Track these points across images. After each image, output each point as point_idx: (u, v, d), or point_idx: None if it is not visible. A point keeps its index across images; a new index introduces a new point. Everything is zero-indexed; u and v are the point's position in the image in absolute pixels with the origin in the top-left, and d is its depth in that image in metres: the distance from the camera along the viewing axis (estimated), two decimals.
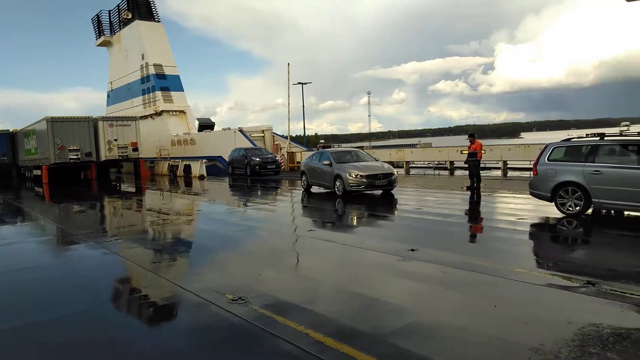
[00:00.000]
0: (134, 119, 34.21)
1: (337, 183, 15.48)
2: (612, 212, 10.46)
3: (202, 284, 6.42)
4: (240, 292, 5.91)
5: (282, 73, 33.35)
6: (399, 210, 13.21)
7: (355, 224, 11.87)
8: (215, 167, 33.65)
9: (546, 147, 11.01)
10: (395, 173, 15.70)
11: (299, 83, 42.02)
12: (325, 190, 17.03)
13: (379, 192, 15.77)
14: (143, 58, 42.59)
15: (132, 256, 8.77)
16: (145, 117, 41.47)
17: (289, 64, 34.55)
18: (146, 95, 43.22)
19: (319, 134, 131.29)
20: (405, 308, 5.33)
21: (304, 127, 46.05)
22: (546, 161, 10.69)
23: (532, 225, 10.04)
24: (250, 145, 31.82)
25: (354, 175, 14.88)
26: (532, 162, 21.74)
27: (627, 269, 6.45)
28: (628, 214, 10.19)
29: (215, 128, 41.38)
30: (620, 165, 9.45)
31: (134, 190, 26.44)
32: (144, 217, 15.11)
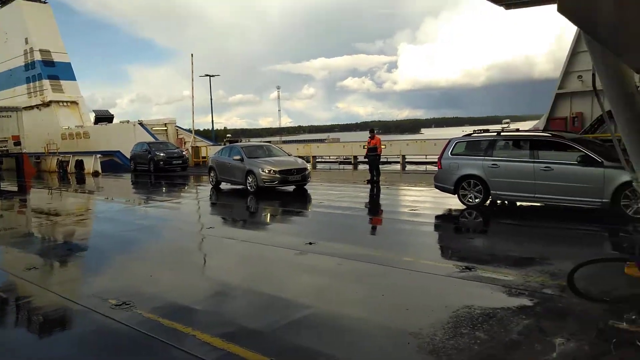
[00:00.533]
0: (15, 109, 30.83)
1: (249, 179, 14.96)
2: (506, 202, 11.24)
3: (83, 290, 5.95)
4: (127, 296, 5.54)
5: (188, 64, 32.03)
6: (305, 205, 13.35)
7: (260, 220, 11.78)
8: (113, 163, 31.45)
9: (449, 142, 11.52)
10: (308, 168, 15.73)
11: (207, 75, 40.80)
12: (236, 187, 16.56)
13: (291, 187, 15.64)
14: (27, 42, 38.37)
15: (3, 262, 7.86)
16: (31, 107, 37.48)
17: (192, 54, 33.30)
18: (32, 84, 38.99)
19: (228, 128, 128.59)
20: (299, 302, 5.37)
21: (212, 121, 44.75)
22: (450, 155, 11.16)
23: (425, 216, 10.69)
24: (151, 139, 30.15)
25: (267, 171, 14.52)
26: (427, 157, 23.40)
27: (502, 254, 7.11)
28: (520, 204, 11.09)
29: (115, 121, 38.67)
30: (514, 159, 10.21)
31: (15, 189, 23.85)
32: (28, 219, 13.68)
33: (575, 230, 8.58)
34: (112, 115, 40.11)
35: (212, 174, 17.40)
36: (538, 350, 3.93)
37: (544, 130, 14.29)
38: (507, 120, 19.52)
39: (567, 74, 17.28)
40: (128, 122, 33.61)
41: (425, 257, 7.22)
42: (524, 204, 10.83)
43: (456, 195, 10.83)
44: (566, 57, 17.38)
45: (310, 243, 7.89)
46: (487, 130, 11.22)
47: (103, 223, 12.13)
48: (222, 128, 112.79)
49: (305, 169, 15.37)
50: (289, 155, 17.02)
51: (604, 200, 8.57)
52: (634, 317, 2.21)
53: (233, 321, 4.80)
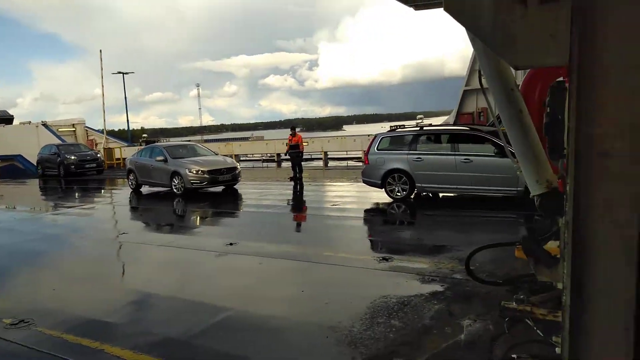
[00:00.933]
0: None
1: (175, 181, 14.03)
2: (430, 194, 11.64)
3: None
4: (25, 313, 5.06)
5: (99, 60, 29.98)
6: (228, 205, 13.06)
7: (181, 223, 11.34)
8: (13, 168, 28.71)
9: (375, 137, 11.76)
10: (239, 167, 15.29)
11: (120, 72, 38.43)
12: (161, 190, 15.44)
13: (220, 188, 15.04)
14: None
15: None
16: None
17: (101, 50, 31.36)
18: None
19: (146, 127, 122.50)
20: (217, 305, 5.22)
21: (127, 121, 42.49)
22: (376, 151, 11.36)
23: (347, 211, 10.91)
24: (58, 141, 27.89)
25: (195, 171, 13.72)
26: (348, 153, 23.97)
27: (418, 244, 7.45)
28: (443, 196, 11.59)
29: (15, 122, 35.31)
30: (436, 152, 10.71)
31: None
32: None
33: (491, 218, 9.19)
34: (12, 116, 36.68)
35: (131, 177, 16.28)
36: (448, 333, 4.15)
37: (462, 124, 15.22)
38: (421, 115, 20.54)
39: (472, 72, 18.49)
40: (30, 123, 30.84)
41: (346, 250, 7.35)
42: (447, 195, 11.35)
43: (383, 189, 11.04)
44: (471, 56, 18.58)
45: (231, 244, 7.72)
46: (403, 126, 11.68)
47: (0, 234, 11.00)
48: (139, 128, 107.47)
49: (236, 168, 14.88)
50: (216, 154, 16.47)
51: (518, 189, 9.12)
52: (522, 297, 2.40)
53: (147, 331, 4.57)
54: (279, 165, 25.73)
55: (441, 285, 5.32)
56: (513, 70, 2.16)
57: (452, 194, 11.11)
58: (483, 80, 2.34)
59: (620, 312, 1.63)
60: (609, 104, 1.60)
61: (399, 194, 10.81)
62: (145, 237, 9.33)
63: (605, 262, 1.64)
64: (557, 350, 2.24)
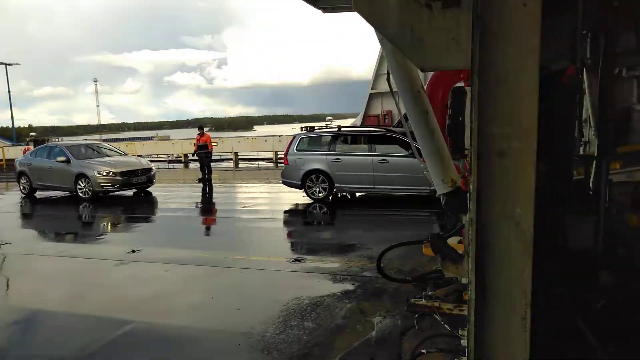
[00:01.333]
0: None
1: (81, 184, 12.77)
2: (348, 195, 11.77)
3: None
4: None
5: None
6: (132, 209, 12.19)
7: (80, 230, 10.35)
8: None
9: (294, 137, 11.64)
10: (154, 168, 14.24)
11: (2, 64, 34.43)
12: (63, 194, 13.84)
13: (131, 191, 13.79)
14: None
15: None
16: None
17: None
18: None
19: (34, 125, 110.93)
20: (116, 318, 4.81)
21: (12, 117, 38.12)
22: (295, 151, 11.27)
23: (259, 212, 10.75)
24: None
25: (105, 173, 12.61)
26: (259, 153, 23.75)
27: (330, 243, 7.52)
28: (359, 195, 11.73)
29: None
30: (354, 153, 10.94)
31: None
32: None
33: (405, 217, 9.56)
34: None
35: (23, 180, 14.42)
36: (360, 331, 4.22)
37: (370, 126, 15.75)
38: (330, 117, 20.95)
39: (377, 75, 19.22)
40: None
41: (258, 253, 7.21)
42: (365, 195, 11.57)
43: (303, 190, 11.02)
44: (376, 61, 19.32)
45: (133, 251, 7.20)
46: (312, 128, 11.81)
47: None
48: (27, 125, 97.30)
49: (151, 169, 13.82)
50: (126, 154, 15.25)
51: (431, 188, 9.59)
52: (430, 293, 2.49)
53: (32, 354, 4.07)
54: (186, 166, 24.74)
55: (352, 284, 5.41)
56: (420, 73, 2.21)
57: (369, 194, 11.44)
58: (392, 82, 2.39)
59: (518, 303, 1.72)
60: (505, 106, 1.68)
61: (319, 195, 10.90)
62: (35, 246, 8.37)
63: (504, 256, 1.72)
64: (463, 342, 2.35)
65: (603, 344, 2.07)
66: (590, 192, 2.58)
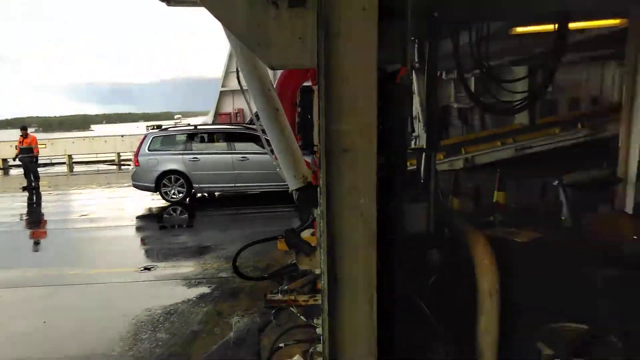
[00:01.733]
0: None
1: None
2: (207, 195, 11.27)
3: None
4: None
5: None
6: None
7: None
8: None
9: (145, 136, 10.81)
10: None
11: None
12: None
13: None
14: None
15: None
16: None
17: None
18: None
19: None
20: None
21: None
22: (147, 151, 10.50)
23: (100, 221, 9.72)
24: None
25: None
26: (99, 155, 21.53)
27: (184, 247, 7.16)
28: (219, 195, 11.27)
29: None
30: (213, 151, 10.50)
31: None
32: None
33: (264, 213, 9.51)
34: None
35: None
36: (217, 334, 4.12)
37: (221, 124, 15.47)
38: (179, 115, 20.06)
39: (228, 73, 18.98)
40: None
41: (100, 265, 6.53)
42: (226, 194, 11.19)
43: (158, 192, 10.39)
44: (226, 58, 19.07)
45: None
46: (160, 126, 11.18)
47: None
48: None
49: None
50: None
51: None
52: (285, 287, 2.54)
53: None
54: (6, 173, 21.22)
55: (209, 287, 5.26)
56: (270, 71, 2.22)
57: (229, 193, 11.19)
58: (242, 80, 2.36)
59: (365, 288, 1.85)
60: (349, 105, 1.79)
61: (176, 197, 10.36)
62: None
63: (352, 245, 1.84)
64: (318, 331, 2.44)
65: (435, 312, 2.35)
66: (422, 181, 2.91)
